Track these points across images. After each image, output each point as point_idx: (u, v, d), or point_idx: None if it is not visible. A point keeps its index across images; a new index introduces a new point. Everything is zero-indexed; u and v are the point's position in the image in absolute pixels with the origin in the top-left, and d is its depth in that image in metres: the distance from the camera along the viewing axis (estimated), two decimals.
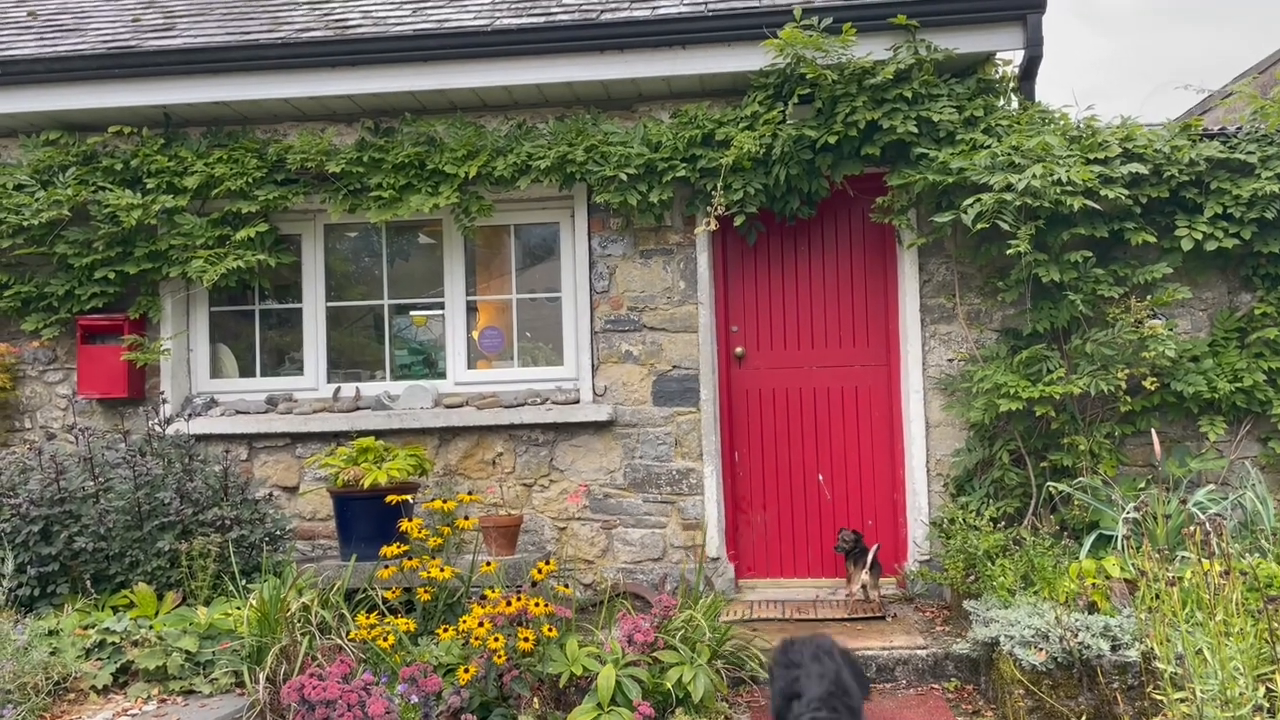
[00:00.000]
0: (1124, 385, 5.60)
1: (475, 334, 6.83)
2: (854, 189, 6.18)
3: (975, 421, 5.88)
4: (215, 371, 6.95)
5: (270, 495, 6.08)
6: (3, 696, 4.24)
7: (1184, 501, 5.28)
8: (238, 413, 6.66)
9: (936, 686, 4.98)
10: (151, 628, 4.77)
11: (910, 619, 5.70)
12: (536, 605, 4.22)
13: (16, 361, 6.78)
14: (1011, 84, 6.16)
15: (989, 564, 5.18)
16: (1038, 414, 5.70)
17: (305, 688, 3.98)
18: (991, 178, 5.55)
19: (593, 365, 6.47)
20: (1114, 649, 4.24)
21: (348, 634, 4.57)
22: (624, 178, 6.11)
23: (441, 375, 6.79)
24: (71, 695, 4.51)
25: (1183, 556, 4.73)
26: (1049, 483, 5.71)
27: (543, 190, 6.45)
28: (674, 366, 6.41)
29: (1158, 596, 3.81)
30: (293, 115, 6.67)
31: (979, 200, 5.53)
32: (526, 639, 4.14)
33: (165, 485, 5.39)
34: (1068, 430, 5.77)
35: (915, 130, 5.82)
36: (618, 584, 6.03)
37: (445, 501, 5.25)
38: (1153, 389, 5.66)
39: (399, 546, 5.02)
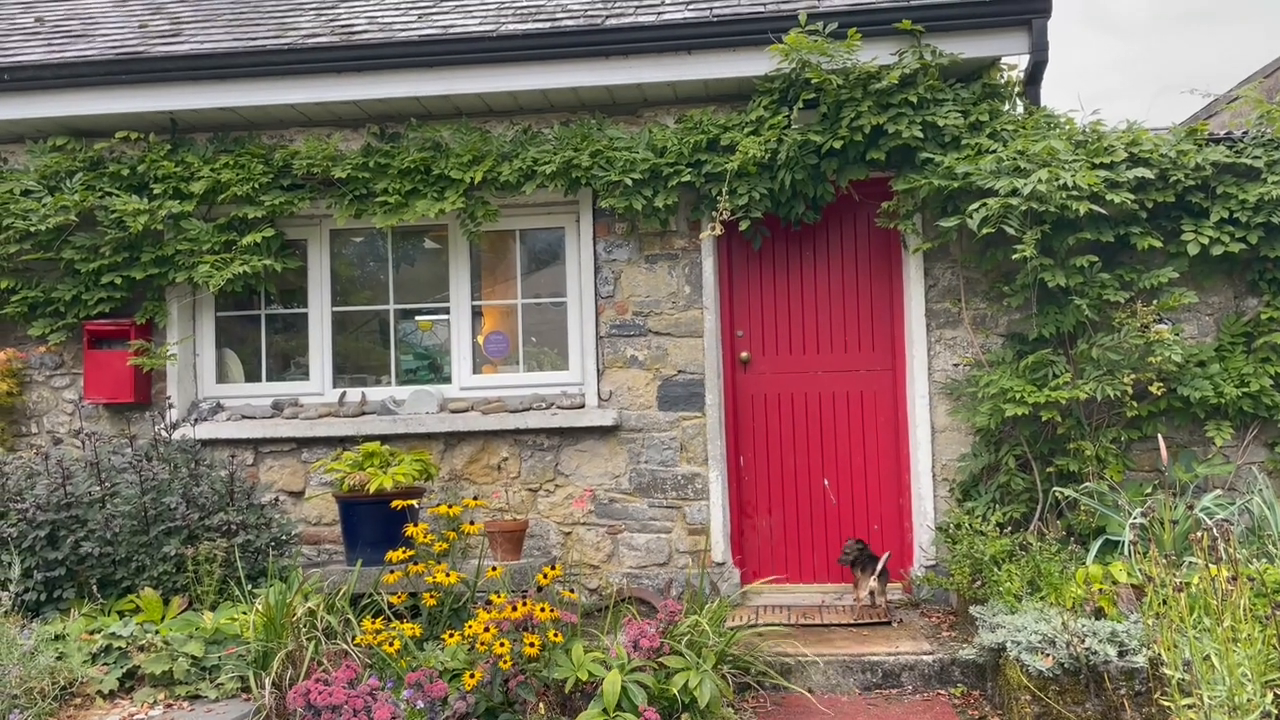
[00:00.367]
0: (1130, 390, 5.59)
1: (480, 339, 6.84)
2: (859, 194, 6.18)
3: (981, 426, 5.87)
4: (221, 376, 6.96)
5: (276, 500, 6.09)
6: (9, 701, 4.24)
7: (1191, 507, 5.27)
8: (244, 417, 6.67)
9: (943, 692, 4.97)
10: (158, 633, 4.77)
11: (916, 624, 5.69)
12: (542, 610, 4.21)
13: (23, 366, 6.80)
14: (1017, 88, 6.16)
15: (995, 569, 5.16)
16: (1044, 419, 5.69)
17: (311, 693, 3.98)
18: (997, 182, 5.54)
19: (598, 370, 6.48)
20: (1121, 655, 4.23)
21: (353, 639, 4.57)
22: (629, 183, 6.11)
23: (447, 380, 6.79)
24: (78, 700, 4.51)
25: (1190, 562, 4.72)
26: (1055, 488, 5.70)
27: (548, 195, 6.46)
28: (679, 371, 6.41)
29: (1165, 602, 3.80)
30: (299, 120, 6.69)
31: (984, 205, 5.52)
32: (532, 644, 4.14)
33: (171, 490, 5.40)
34: (1074, 435, 5.76)
35: (920, 135, 5.82)
36: (623, 589, 6.04)
37: (451, 506, 5.25)
38: (1159, 394, 5.65)
39: (404, 551, 5.02)
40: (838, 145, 5.89)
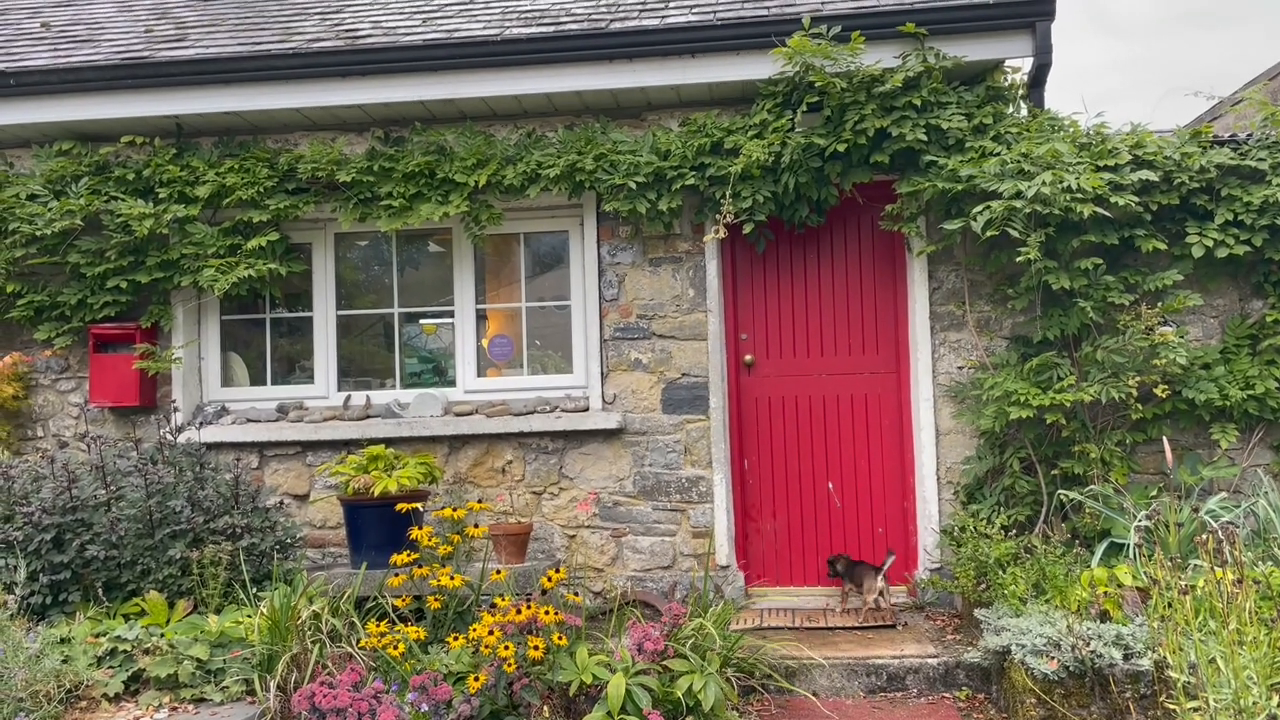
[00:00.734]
0: (1135, 393, 5.59)
1: (485, 342, 6.85)
2: (863, 197, 6.18)
3: (986, 429, 5.87)
4: (226, 380, 6.98)
5: (281, 503, 6.10)
6: (15, 704, 4.25)
7: (1196, 509, 5.27)
8: (249, 421, 6.69)
9: (948, 695, 4.96)
10: (163, 636, 4.78)
11: (921, 627, 5.69)
12: (546, 613, 4.22)
13: (29, 370, 6.82)
14: (1021, 91, 6.16)
15: (1000, 572, 5.16)
16: (1048, 421, 5.69)
17: (316, 695, 3.99)
18: (1001, 185, 5.54)
19: (602, 373, 6.48)
20: (1126, 658, 4.22)
21: (358, 642, 4.57)
22: (633, 186, 6.12)
23: (451, 383, 6.80)
24: (83, 703, 4.52)
25: (1195, 565, 4.72)
26: (1060, 491, 5.69)
27: (552, 199, 6.47)
28: (683, 374, 6.41)
29: (1170, 605, 3.80)
30: (304, 125, 6.70)
31: (989, 208, 5.52)
32: (536, 647, 4.14)
33: (176, 493, 5.41)
34: (1079, 438, 5.75)
35: (924, 138, 5.82)
36: (627, 592, 6.04)
37: (455, 509, 5.26)
38: (1164, 396, 5.65)
39: (409, 554, 5.02)
40: (841, 148, 5.89)
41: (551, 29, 6.27)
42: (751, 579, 6.47)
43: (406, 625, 4.67)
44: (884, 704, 4.91)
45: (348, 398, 6.77)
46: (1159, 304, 5.75)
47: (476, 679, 4.08)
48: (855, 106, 5.87)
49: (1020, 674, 4.35)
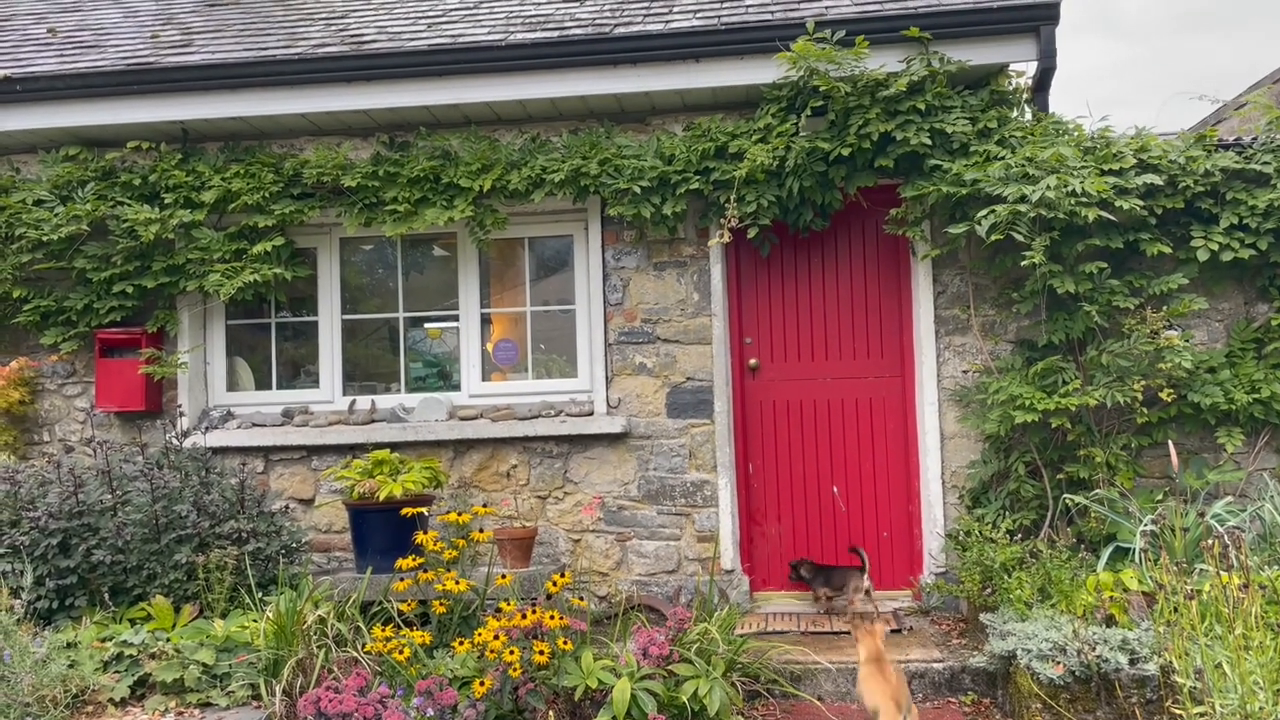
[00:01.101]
0: (1140, 397, 5.58)
1: (489, 346, 6.85)
2: (868, 201, 6.18)
3: (991, 433, 5.86)
4: (232, 384, 6.99)
5: (286, 508, 6.11)
6: (22, 709, 4.26)
7: (1202, 514, 5.25)
8: (254, 425, 6.70)
9: (953, 700, 4.96)
10: (169, 640, 4.79)
11: (926, 632, 5.68)
12: (552, 618, 4.22)
13: (35, 375, 6.84)
14: (1025, 95, 6.16)
15: (1005, 576, 5.15)
16: (1054, 426, 5.69)
17: (322, 700, 3.99)
18: (1005, 189, 5.54)
19: (607, 377, 6.49)
20: (1132, 663, 4.22)
21: (364, 646, 4.58)
22: (637, 190, 6.13)
23: (456, 388, 6.81)
24: (89, 708, 4.53)
25: (1201, 569, 4.71)
26: (1065, 495, 5.69)
27: (556, 203, 6.48)
28: (688, 378, 6.41)
29: (1176, 610, 3.79)
30: (309, 130, 6.72)
31: (993, 212, 5.52)
32: (542, 652, 4.14)
33: (182, 498, 5.43)
34: (1084, 442, 5.75)
35: (929, 142, 5.82)
36: (632, 596, 6.04)
37: (460, 514, 5.26)
38: (1169, 400, 5.64)
39: (414, 559, 5.03)
40: (846, 152, 5.90)
41: (556, 34, 6.28)
42: (756, 584, 6.47)
43: (412, 630, 4.68)
44: None
45: (353, 402, 6.78)
46: (1164, 308, 5.74)
47: (482, 684, 4.08)
48: (859, 110, 5.87)
49: (1026, 679, 4.35)
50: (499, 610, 4.41)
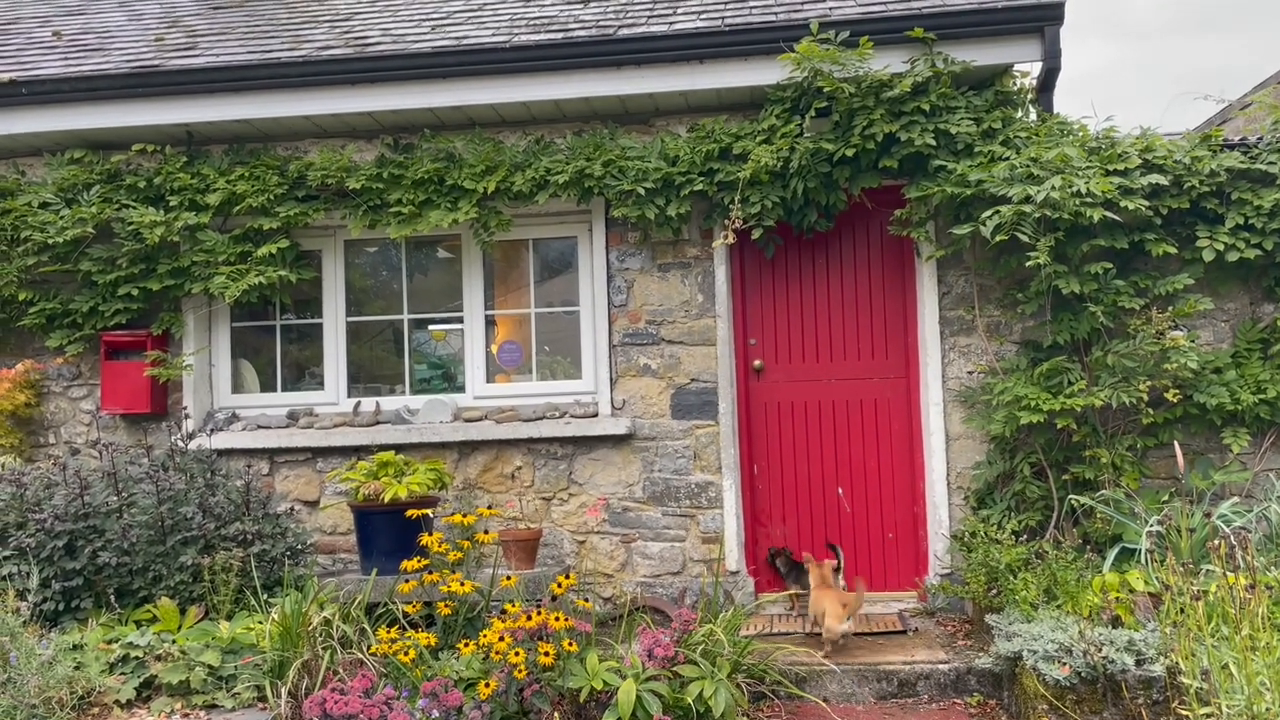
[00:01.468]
0: (1146, 397, 5.57)
1: (494, 348, 6.86)
2: (872, 201, 6.18)
3: (996, 434, 5.85)
4: (237, 386, 7.00)
5: (291, 509, 6.12)
6: (29, 710, 4.28)
7: (1208, 514, 5.24)
8: (259, 427, 6.71)
9: (959, 701, 4.95)
10: (174, 642, 4.80)
11: (932, 633, 5.67)
12: (557, 619, 4.22)
13: (41, 378, 6.85)
14: (1030, 96, 6.16)
15: (1011, 577, 5.14)
16: (1059, 426, 5.68)
17: (327, 702, 4.00)
18: (1010, 189, 5.53)
19: (611, 379, 6.49)
20: (1138, 664, 4.21)
21: (369, 648, 4.59)
22: (641, 192, 6.13)
23: (460, 389, 6.82)
24: (95, 710, 4.54)
25: (1207, 570, 4.70)
26: (1071, 495, 5.67)
27: (561, 205, 6.49)
28: (692, 380, 6.41)
29: (1182, 610, 3.79)
30: (313, 132, 6.73)
31: (998, 212, 5.52)
32: (547, 653, 4.14)
33: (188, 500, 5.44)
34: (1089, 443, 5.74)
35: (933, 142, 5.82)
36: (637, 598, 6.04)
37: (465, 515, 5.27)
38: (1175, 401, 5.63)
39: (419, 561, 5.03)
40: (850, 153, 5.89)
41: (560, 36, 6.28)
42: (761, 585, 6.46)
43: (417, 631, 4.68)
44: (895, 710, 4.90)
45: (357, 404, 6.79)
46: (1170, 308, 5.73)
47: (487, 685, 4.08)
48: (864, 111, 5.87)
49: (1032, 680, 4.34)
50: (504, 612, 4.41)
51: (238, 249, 6.52)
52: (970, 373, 6.19)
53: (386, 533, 5.58)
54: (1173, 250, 5.76)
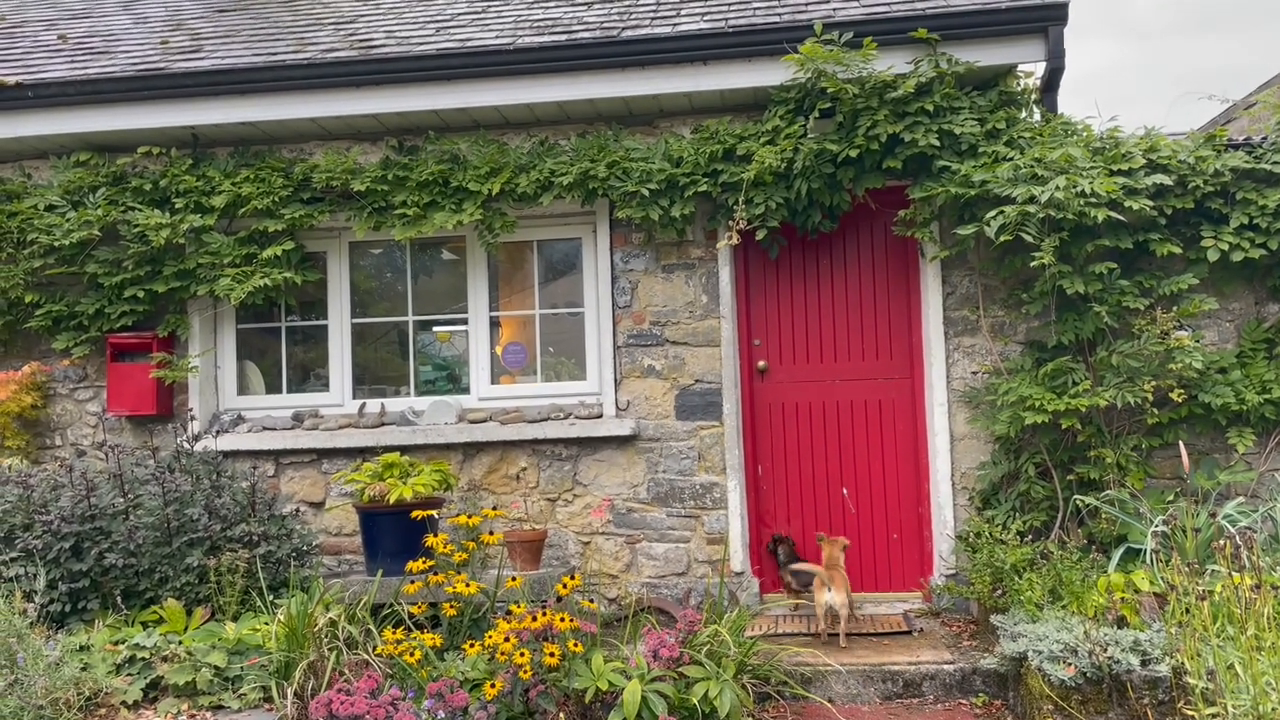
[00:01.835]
0: (1151, 397, 5.57)
1: (499, 349, 6.87)
2: (876, 202, 6.18)
3: (1000, 434, 5.85)
4: (242, 388, 7.02)
5: (297, 511, 6.13)
6: (36, 712, 4.29)
7: (1213, 515, 5.24)
8: (265, 429, 6.72)
9: (964, 702, 4.95)
10: (181, 643, 4.82)
11: (937, 633, 5.67)
12: (562, 620, 4.23)
13: (47, 380, 6.88)
14: (1034, 96, 6.16)
15: (1016, 578, 5.14)
16: (1064, 426, 5.67)
17: (333, 703, 4.00)
18: (1014, 190, 5.54)
19: (615, 380, 6.49)
20: (1144, 664, 4.21)
21: (374, 649, 4.59)
22: (646, 193, 6.14)
23: (465, 391, 6.83)
24: (102, 710, 4.55)
25: (1213, 570, 4.70)
26: (1076, 496, 5.67)
27: (565, 206, 6.49)
28: (696, 381, 6.42)
29: (1188, 611, 3.78)
30: (318, 134, 6.75)
31: (1002, 212, 5.52)
32: (552, 654, 4.15)
33: (194, 501, 5.45)
34: (1094, 443, 5.73)
35: (937, 143, 5.82)
36: (642, 599, 6.05)
37: (470, 516, 5.28)
38: (1180, 401, 5.62)
39: (424, 561, 5.04)
40: (854, 154, 5.90)
41: (564, 37, 6.29)
42: (766, 586, 6.47)
43: (422, 632, 4.69)
44: (900, 710, 4.90)
45: (363, 405, 6.80)
46: (1174, 308, 5.72)
47: (493, 686, 4.09)
48: (868, 112, 5.87)
49: (1037, 680, 4.34)
50: (509, 613, 4.42)
51: (243, 251, 6.53)
52: (975, 373, 6.19)
53: (392, 534, 5.59)
54: (1177, 250, 5.75)
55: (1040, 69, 6.03)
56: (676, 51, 6.08)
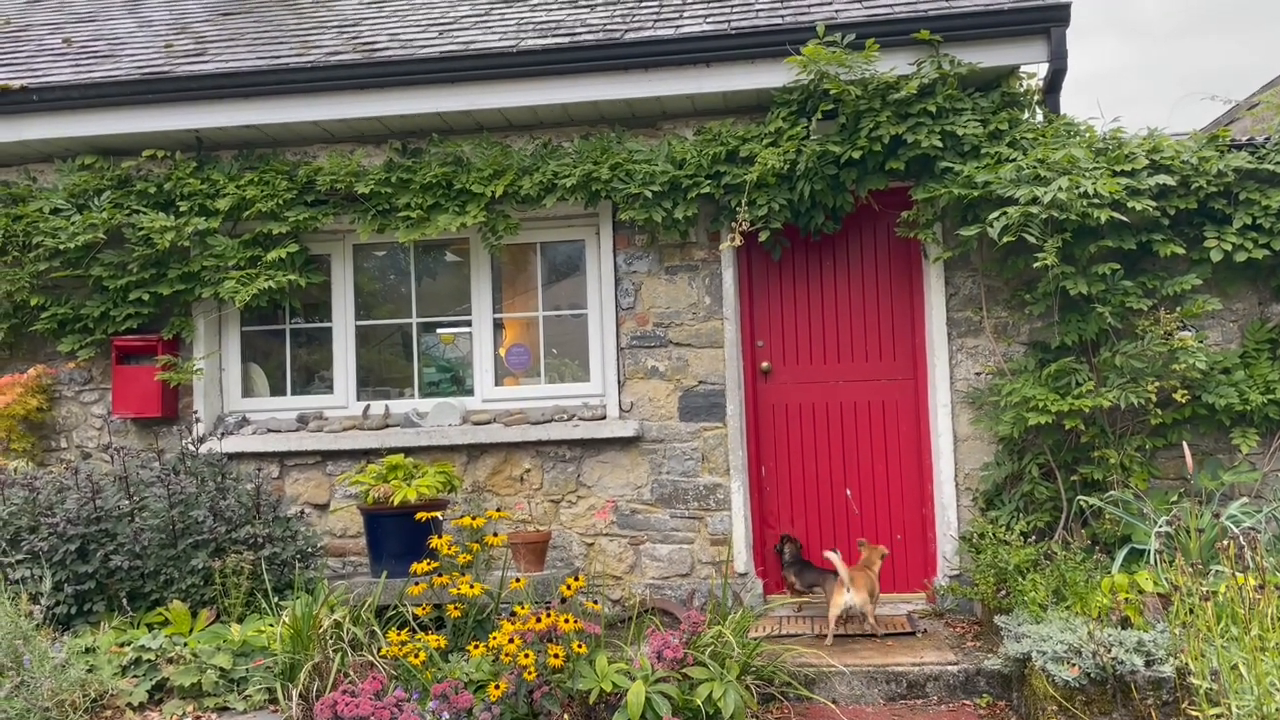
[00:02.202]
0: (1154, 398, 5.57)
1: (502, 351, 6.88)
2: (879, 203, 6.18)
3: (1004, 435, 5.85)
4: (247, 390, 7.03)
5: (302, 513, 6.14)
6: (42, 713, 4.30)
7: (1217, 515, 5.24)
8: (269, 431, 6.74)
9: (968, 702, 4.95)
10: (186, 645, 4.83)
11: (941, 634, 5.67)
12: (566, 621, 4.24)
13: (53, 382, 6.90)
14: (1036, 97, 6.16)
15: (1020, 579, 5.14)
16: (1067, 427, 5.68)
17: (338, 704, 4.01)
18: (1017, 191, 5.54)
19: (619, 381, 6.50)
20: (1148, 664, 4.20)
21: (379, 650, 4.60)
22: (649, 195, 6.15)
23: (469, 392, 6.84)
24: (108, 712, 4.56)
25: (1216, 571, 4.69)
26: (1080, 496, 5.67)
27: (568, 208, 6.50)
28: (700, 382, 6.42)
29: (1192, 611, 3.78)
30: (322, 137, 6.76)
31: (1005, 213, 5.52)
32: (557, 655, 4.16)
33: (199, 503, 5.46)
34: (1098, 443, 5.73)
35: (940, 144, 5.82)
36: (646, 600, 6.05)
37: (474, 518, 5.28)
38: (1183, 401, 5.62)
39: (429, 563, 5.05)
40: (857, 155, 5.90)
41: (567, 40, 6.31)
42: (770, 587, 6.47)
43: (427, 634, 4.70)
44: (904, 711, 4.91)
45: (367, 407, 6.81)
46: (1178, 309, 5.72)
47: (497, 687, 4.09)
48: (870, 114, 5.88)
49: (1041, 681, 4.34)
50: (513, 614, 4.43)
51: (247, 254, 6.55)
52: (978, 374, 6.19)
53: (396, 535, 5.60)
54: (1180, 251, 5.75)
55: (1043, 70, 6.03)
56: (679, 54, 6.08)
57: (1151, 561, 5.06)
